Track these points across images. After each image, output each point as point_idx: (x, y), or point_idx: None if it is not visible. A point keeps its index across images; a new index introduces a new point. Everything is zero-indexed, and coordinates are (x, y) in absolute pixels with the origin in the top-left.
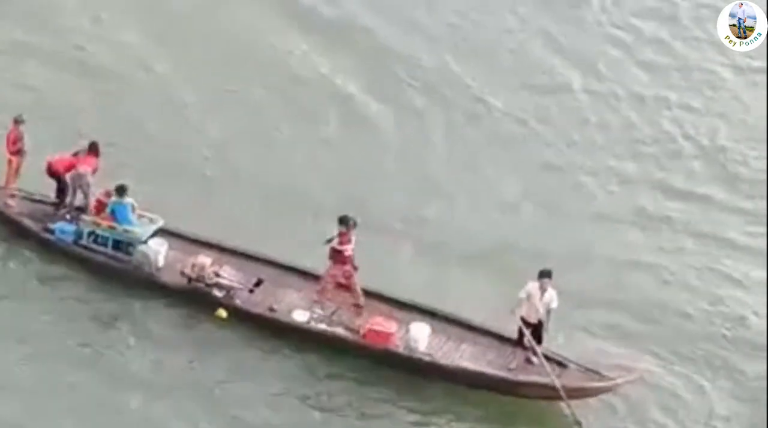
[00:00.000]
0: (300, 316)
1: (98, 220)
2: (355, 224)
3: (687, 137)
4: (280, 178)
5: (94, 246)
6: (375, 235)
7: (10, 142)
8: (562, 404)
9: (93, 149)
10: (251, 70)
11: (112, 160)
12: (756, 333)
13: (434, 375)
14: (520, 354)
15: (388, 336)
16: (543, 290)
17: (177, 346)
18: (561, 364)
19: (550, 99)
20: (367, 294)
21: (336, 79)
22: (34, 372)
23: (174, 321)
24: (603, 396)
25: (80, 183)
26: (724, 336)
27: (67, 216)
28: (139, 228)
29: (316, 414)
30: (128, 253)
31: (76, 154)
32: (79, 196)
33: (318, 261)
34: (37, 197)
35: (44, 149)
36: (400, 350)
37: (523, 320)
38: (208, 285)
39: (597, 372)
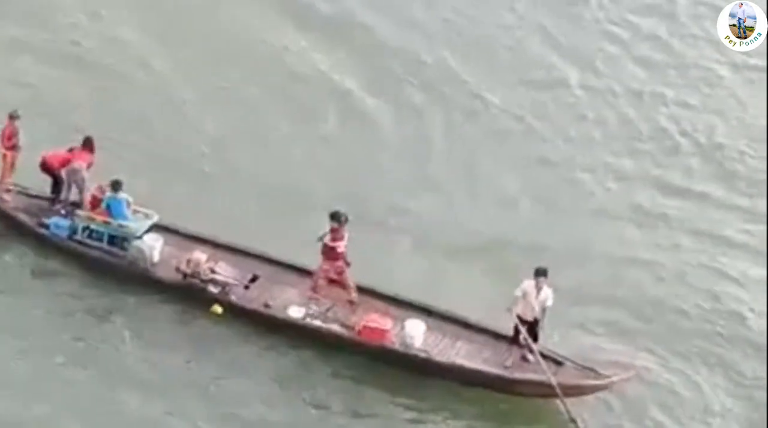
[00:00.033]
0: (295, 313)
1: (93, 215)
2: (346, 220)
3: (684, 134)
4: (277, 174)
5: (89, 241)
6: (372, 231)
7: (6, 138)
8: (558, 402)
9: (87, 144)
10: (249, 67)
11: (108, 155)
12: (752, 331)
13: (430, 372)
14: (516, 352)
15: (383, 333)
16: (539, 288)
17: (172, 342)
18: (557, 362)
19: (547, 95)
20: (363, 291)
21: (334, 76)
22: (29, 367)
23: (169, 317)
24: (599, 394)
25: (75, 178)
26: (721, 333)
27: (62, 211)
28: (134, 223)
29: (312, 411)
30: (123, 248)
31: (71, 150)
32: (74, 191)
33: (315, 258)
34: (33, 192)
35: (41, 145)
36: (396, 347)
37: (519, 318)
38: (203, 281)
39: (593, 370)
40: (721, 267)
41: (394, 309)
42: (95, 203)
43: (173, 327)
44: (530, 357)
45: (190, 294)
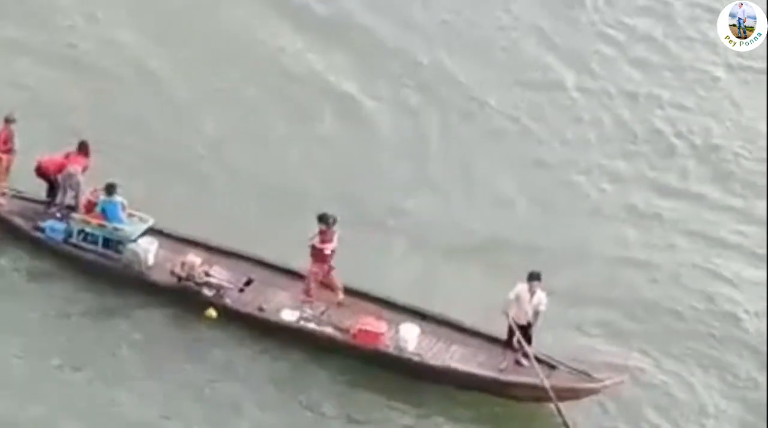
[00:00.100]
0: (289, 316)
1: (88, 219)
2: (334, 222)
3: (679, 136)
4: (275, 175)
5: (84, 244)
6: (369, 232)
7: (1, 141)
8: (552, 406)
9: (83, 148)
10: (246, 68)
11: (105, 157)
12: (747, 332)
13: (424, 376)
14: (510, 355)
15: (377, 336)
16: (532, 292)
17: (166, 345)
18: (550, 365)
19: (543, 96)
20: (358, 294)
21: (331, 77)
22: (25, 369)
23: (163, 320)
24: (594, 396)
25: (70, 182)
26: (715, 334)
27: (58, 215)
28: (129, 226)
29: (307, 415)
30: (118, 252)
31: (67, 155)
32: (70, 194)
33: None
34: (28, 196)
35: (37, 147)
36: (390, 350)
37: (513, 321)
38: (197, 284)
39: (586, 374)
40: (715, 268)
41: (388, 313)
42: (90, 207)
43: (168, 330)
44: (524, 361)
45: (184, 297)
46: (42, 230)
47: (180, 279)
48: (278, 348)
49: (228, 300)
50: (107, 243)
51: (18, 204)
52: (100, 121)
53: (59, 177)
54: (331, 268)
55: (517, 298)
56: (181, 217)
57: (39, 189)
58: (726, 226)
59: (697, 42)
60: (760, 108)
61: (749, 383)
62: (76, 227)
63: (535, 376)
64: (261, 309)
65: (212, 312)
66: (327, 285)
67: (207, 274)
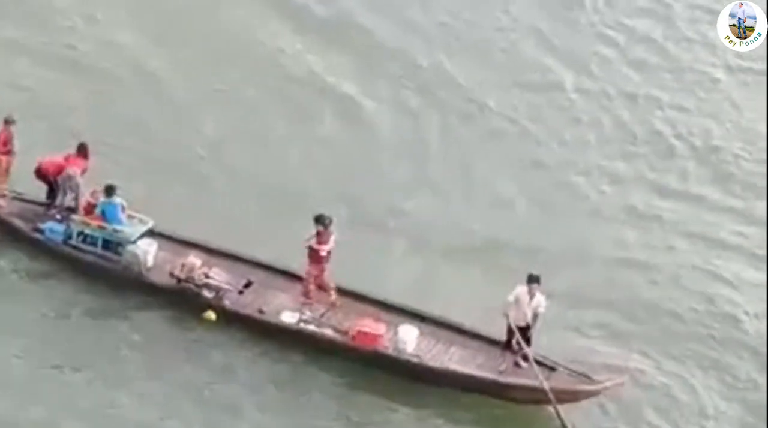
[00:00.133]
0: (289, 318)
1: (88, 220)
2: (331, 222)
3: (679, 137)
4: (275, 176)
5: (83, 246)
6: (369, 232)
7: (0, 143)
8: (551, 408)
9: (82, 150)
10: (245, 69)
11: (105, 159)
12: (747, 334)
13: (423, 378)
14: (509, 357)
15: (376, 337)
16: (531, 294)
17: (166, 346)
18: (550, 368)
19: (542, 98)
20: (357, 296)
21: (331, 78)
22: (24, 370)
23: (163, 322)
24: (594, 398)
25: (70, 184)
26: (715, 335)
27: (57, 217)
28: (129, 228)
29: (307, 417)
30: (118, 253)
31: (67, 158)
32: (70, 196)
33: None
34: (28, 197)
35: (37, 148)
36: (389, 352)
37: (513, 323)
38: (197, 285)
39: (586, 376)
40: (715, 269)
41: (387, 315)
42: (90, 209)
43: (167, 332)
44: (523, 363)
45: (184, 298)
46: (41, 231)
47: (179, 280)
48: (278, 350)
49: (227, 302)
50: (107, 244)
51: (17, 205)
52: (99, 122)
53: (58, 179)
54: (323, 269)
55: (517, 300)
56: (181, 218)
57: (39, 191)
58: (726, 228)
59: (696, 43)
60: (760, 109)
61: (749, 384)
62: (75, 229)
63: (534, 378)
64: (261, 311)
65: (211, 315)
66: (319, 285)
67: (206, 276)
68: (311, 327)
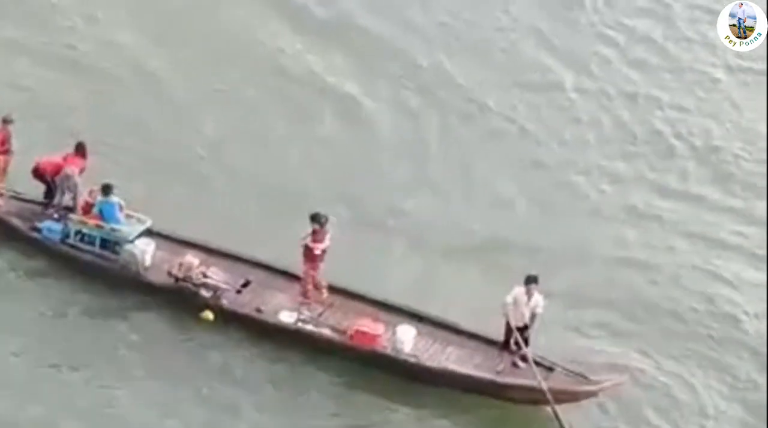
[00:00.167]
0: (287, 317)
1: (85, 219)
2: (327, 221)
3: (679, 137)
4: (274, 176)
5: (81, 245)
6: (368, 232)
7: None
8: (549, 409)
9: (80, 150)
10: (245, 69)
11: (105, 158)
12: (746, 333)
13: (421, 377)
14: (506, 357)
15: (374, 337)
16: (529, 295)
17: (164, 346)
18: (547, 368)
19: (542, 97)
20: (355, 296)
21: (331, 78)
22: (22, 369)
23: (161, 322)
24: (593, 397)
25: (68, 184)
26: (715, 335)
27: (55, 216)
28: (127, 227)
29: (305, 416)
30: (115, 252)
31: (65, 157)
32: (68, 196)
33: None
34: (25, 196)
35: (36, 147)
36: (387, 351)
37: (509, 324)
38: (195, 285)
39: (583, 376)
40: (715, 269)
41: (385, 315)
42: (88, 208)
43: (165, 331)
44: (521, 363)
45: (181, 298)
46: (39, 231)
47: (177, 279)
48: (276, 350)
49: (225, 302)
50: (104, 243)
51: (15, 205)
52: (99, 122)
53: (56, 179)
54: (318, 267)
55: (515, 301)
56: (181, 218)
57: (36, 190)
58: (726, 227)
59: (696, 43)
60: (760, 109)
61: (749, 384)
62: (73, 228)
63: (532, 378)
64: (259, 311)
65: (209, 315)
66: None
67: (204, 275)
68: (309, 327)
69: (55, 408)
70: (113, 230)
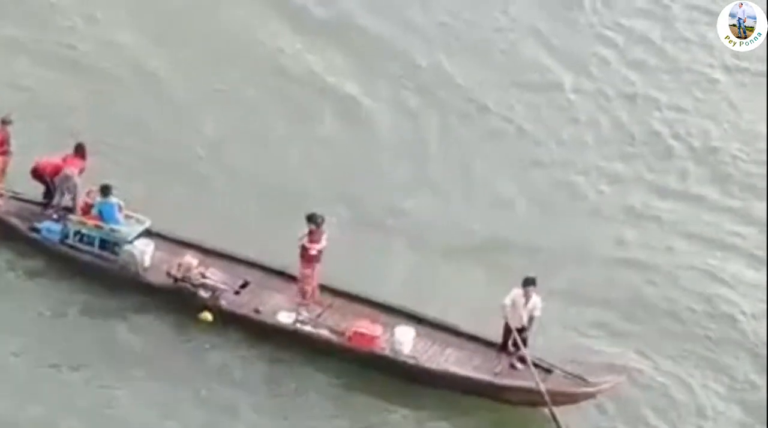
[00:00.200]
0: (285, 318)
1: (85, 220)
2: (323, 221)
3: (677, 137)
4: (274, 176)
5: (80, 245)
6: (368, 232)
7: None
8: (546, 410)
9: (79, 150)
10: (245, 69)
11: (105, 158)
12: (744, 334)
13: (419, 379)
14: (504, 359)
15: (372, 339)
16: (527, 297)
17: (163, 347)
18: (546, 369)
19: (541, 98)
20: (354, 298)
21: (330, 78)
22: (22, 369)
23: (160, 322)
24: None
25: (67, 185)
26: (713, 336)
27: (54, 216)
28: (126, 227)
29: (304, 418)
30: (114, 253)
31: (64, 158)
32: (67, 196)
33: None
34: (25, 197)
35: (37, 148)
36: (386, 353)
37: (507, 326)
38: (194, 285)
39: (581, 378)
40: (713, 269)
41: (384, 316)
42: (87, 209)
43: (164, 332)
44: (519, 365)
45: (180, 298)
46: (38, 231)
47: (176, 280)
48: (274, 351)
49: (224, 302)
50: (103, 244)
51: (15, 205)
52: (99, 121)
53: (56, 179)
54: (314, 268)
55: (513, 303)
56: (181, 218)
57: (36, 190)
58: (724, 228)
59: (694, 44)
60: (758, 110)
61: (747, 385)
62: (72, 228)
63: (530, 380)
64: (257, 312)
65: (207, 316)
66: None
67: (203, 276)
68: (308, 328)
69: (55, 408)
70: (112, 231)
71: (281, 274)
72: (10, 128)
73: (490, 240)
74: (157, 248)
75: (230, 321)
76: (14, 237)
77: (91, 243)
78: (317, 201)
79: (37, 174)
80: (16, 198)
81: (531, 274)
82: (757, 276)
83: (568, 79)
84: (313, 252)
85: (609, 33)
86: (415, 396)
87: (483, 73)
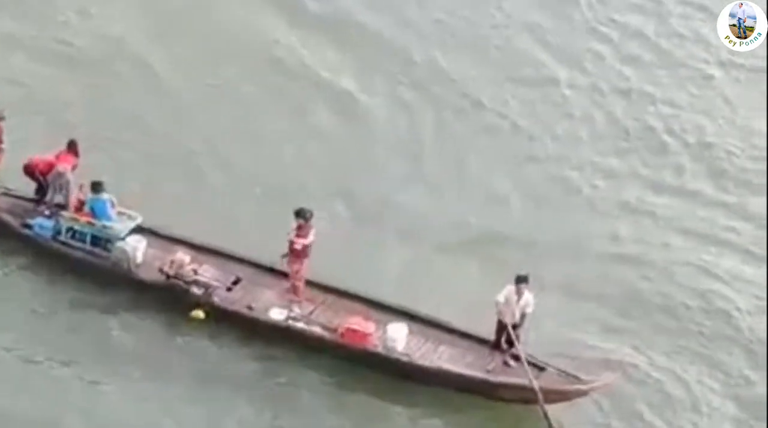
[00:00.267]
0: (278, 315)
1: (77, 216)
2: (311, 216)
3: (672, 133)
4: (271, 171)
5: (72, 242)
6: (364, 227)
7: None
8: (539, 408)
9: (72, 147)
10: (241, 64)
11: (102, 154)
12: (739, 330)
13: (412, 376)
14: (497, 356)
15: (365, 335)
16: (519, 294)
17: (155, 343)
18: (539, 367)
19: (536, 93)
20: (347, 295)
21: (327, 74)
22: (14, 365)
23: (152, 319)
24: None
25: (60, 182)
26: (709, 331)
27: (46, 213)
28: (118, 224)
29: (296, 414)
30: (107, 249)
31: (58, 155)
32: (60, 193)
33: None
34: (17, 193)
35: (33, 143)
36: (378, 350)
37: (500, 323)
38: (186, 282)
39: (575, 376)
40: (708, 265)
41: (377, 313)
42: (80, 206)
43: (156, 329)
44: (512, 362)
45: (173, 295)
46: (31, 227)
47: (168, 277)
48: (266, 347)
49: (216, 299)
50: (96, 240)
51: (7, 201)
52: (95, 117)
53: (48, 177)
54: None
55: (506, 300)
56: (176, 213)
57: (28, 187)
58: (719, 224)
59: (689, 40)
60: (753, 106)
61: (741, 380)
62: (64, 225)
63: (523, 377)
64: (250, 308)
65: (199, 314)
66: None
67: (195, 273)
68: (300, 325)
69: (47, 404)
70: (104, 227)
71: (273, 271)
72: (2, 124)
73: (484, 235)
74: (149, 245)
75: (222, 318)
76: (6, 233)
77: (83, 240)
78: (313, 196)
79: (29, 171)
80: (9, 194)
81: (523, 272)
82: (752, 271)
83: (562, 75)
84: (298, 246)
85: (603, 28)
86: (408, 394)
87: (478, 68)
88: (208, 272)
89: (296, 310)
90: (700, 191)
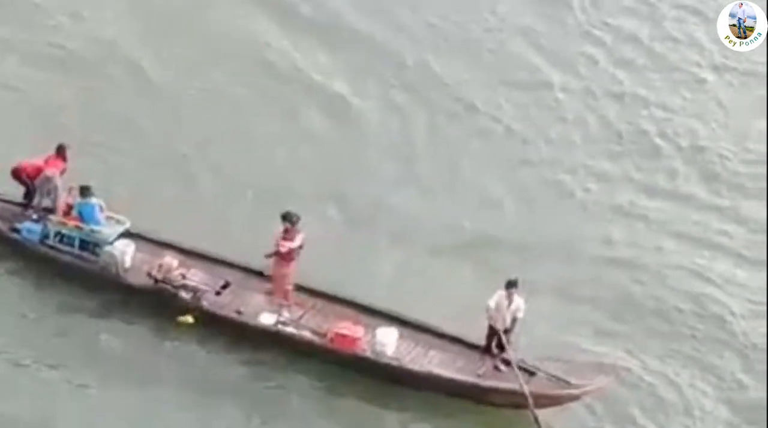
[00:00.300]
0: (267, 319)
1: (65, 220)
2: (298, 220)
3: (665, 137)
4: (263, 174)
5: (60, 246)
6: (356, 231)
7: None
8: (529, 413)
9: (60, 152)
10: (233, 67)
11: (93, 157)
12: (732, 333)
13: (402, 380)
14: (488, 361)
15: (354, 340)
16: (510, 299)
17: (143, 348)
18: (529, 372)
19: (529, 97)
20: (337, 299)
21: (319, 77)
22: (1, 370)
23: (140, 323)
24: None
25: (48, 187)
26: (701, 335)
27: (34, 217)
28: (107, 228)
29: (286, 419)
30: (95, 254)
31: (47, 160)
32: (48, 198)
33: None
34: (5, 197)
35: (24, 147)
36: (368, 355)
37: (491, 328)
38: (174, 286)
39: (565, 381)
40: (701, 269)
41: (367, 318)
42: (68, 210)
43: (144, 334)
44: (502, 367)
45: (161, 299)
46: (18, 231)
47: (157, 281)
48: (256, 352)
49: (205, 303)
50: (84, 245)
51: None
52: (87, 120)
53: (36, 181)
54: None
55: (496, 306)
56: (167, 217)
57: (16, 191)
58: (712, 227)
59: (682, 43)
60: (746, 109)
61: (734, 384)
62: (52, 229)
63: (514, 382)
64: (239, 313)
65: (188, 319)
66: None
67: (184, 277)
68: (289, 329)
69: (35, 408)
70: (93, 231)
71: (262, 275)
72: None
73: (477, 239)
74: (137, 249)
75: (211, 322)
76: None
77: (71, 244)
78: (305, 199)
79: (17, 175)
80: None
81: (513, 277)
82: (744, 275)
83: (556, 78)
84: (284, 249)
85: (597, 32)
86: (398, 398)
87: (471, 71)
88: (196, 276)
89: (285, 315)
90: (693, 195)
